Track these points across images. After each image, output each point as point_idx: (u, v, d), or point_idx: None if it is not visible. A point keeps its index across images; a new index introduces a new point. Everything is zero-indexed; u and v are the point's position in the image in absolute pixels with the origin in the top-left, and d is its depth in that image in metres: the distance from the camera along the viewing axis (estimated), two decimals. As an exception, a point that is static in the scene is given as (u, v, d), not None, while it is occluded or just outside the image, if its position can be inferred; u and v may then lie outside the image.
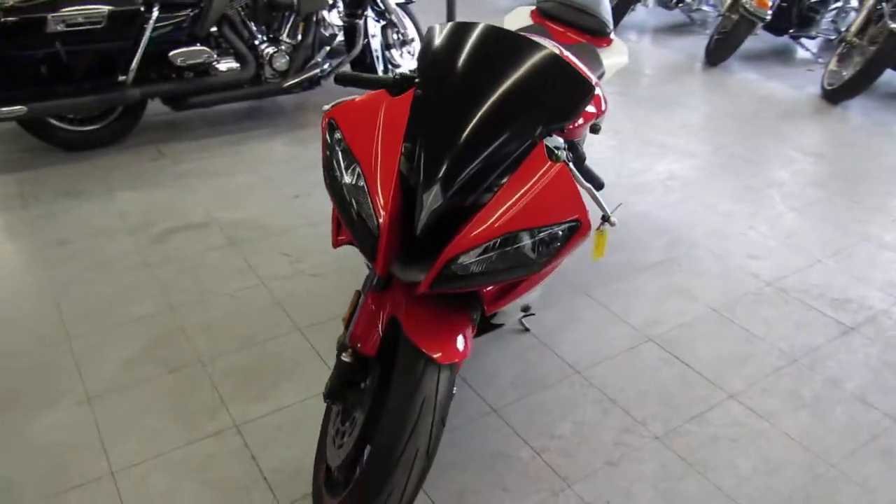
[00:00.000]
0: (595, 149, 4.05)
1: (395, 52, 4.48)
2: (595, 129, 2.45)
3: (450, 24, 1.55)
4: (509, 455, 1.99)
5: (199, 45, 3.71)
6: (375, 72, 4.34)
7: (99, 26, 3.28)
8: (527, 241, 1.37)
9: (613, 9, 6.35)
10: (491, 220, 1.33)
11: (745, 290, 2.81)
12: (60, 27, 3.20)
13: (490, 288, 1.52)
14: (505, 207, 1.35)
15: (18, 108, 3.29)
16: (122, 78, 3.50)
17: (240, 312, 2.53)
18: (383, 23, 4.40)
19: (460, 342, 1.50)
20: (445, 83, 1.43)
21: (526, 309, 2.43)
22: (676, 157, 4.03)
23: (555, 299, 2.69)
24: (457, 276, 1.36)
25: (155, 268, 2.79)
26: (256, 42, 3.93)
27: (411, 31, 4.54)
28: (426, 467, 1.45)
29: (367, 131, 1.44)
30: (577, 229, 1.40)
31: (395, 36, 4.44)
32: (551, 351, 2.42)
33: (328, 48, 4.18)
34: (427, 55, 1.51)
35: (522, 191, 1.37)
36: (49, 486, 1.84)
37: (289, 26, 4.03)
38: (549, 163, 1.41)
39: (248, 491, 1.86)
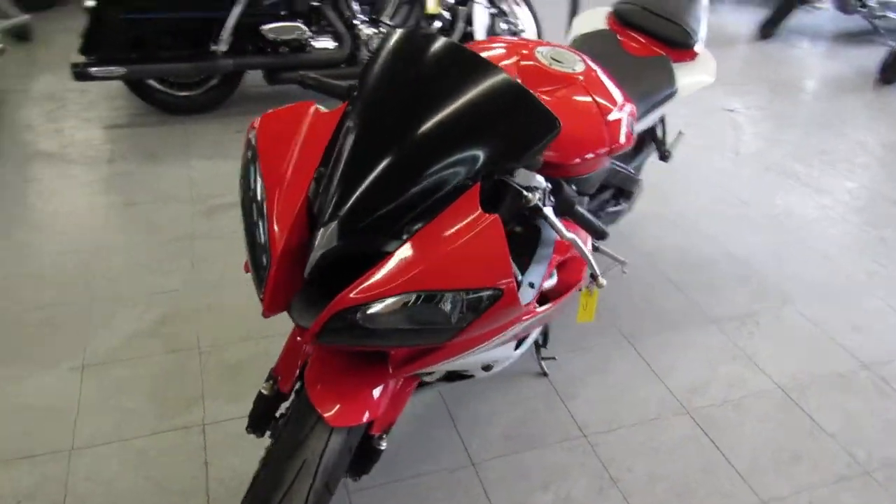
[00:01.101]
0: (698, 169, 3.59)
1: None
2: (664, 157, 2.10)
3: (404, 31, 1.32)
4: (468, 519, 1.77)
5: (294, 20, 3.68)
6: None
7: (195, -6, 3.34)
8: (437, 303, 1.14)
9: (775, 9, 5.68)
10: (390, 274, 1.11)
11: (830, 369, 2.34)
12: (159, -7, 3.28)
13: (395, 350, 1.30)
14: (412, 260, 1.12)
15: (119, 69, 3.44)
16: (214, 47, 3.55)
17: (251, 305, 2.46)
18: (494, 11, 4.15)
19: (367, 402, 1.30)
20: (377, 101, 1.21)
21: (540, 345, 2.17)
22: (801, 191, 3.48)
23: (590, 341, 2.38)
24: (351, 330, 1.15)
25: (196, 241, 2.80)
26: (356, 22, 3.84)
27: (526, 24, 4.25)
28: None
29: (283, 147, 1.26)
30: (498, 298, 1.14)
31: (503, 26, 4.18)
32: (562, 404, 2.14)
33: (430, 33, 4.00)
34: (369, 65, 1.29)
35: (439, 242, 1.13)
36: (6, 450, 1.87)
37: (391, 8, 3.91)
38: (479, 212, 1.15)
39: (186, 498, 1.78)
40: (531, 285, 1.34)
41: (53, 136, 3.60)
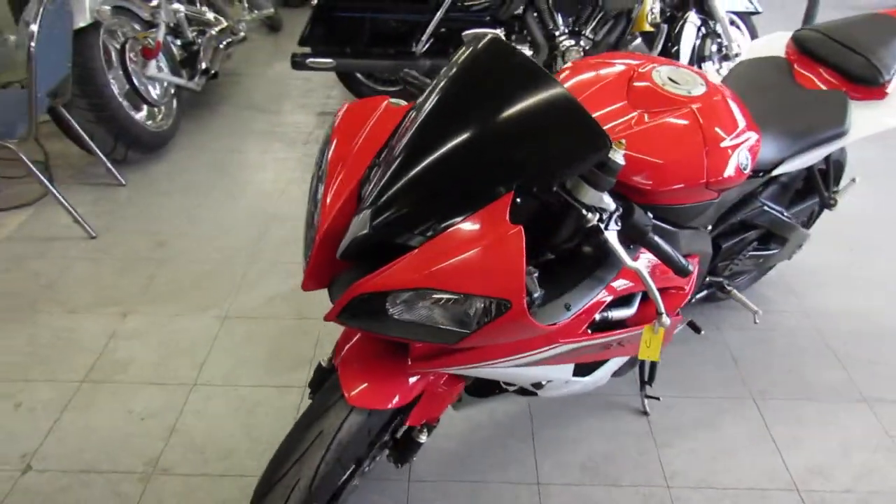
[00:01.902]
0: (920, 231, 3.07)
1: (709, 66, 3.96)
2: (826, 203, 1.88)
3: (479, 37, 1.31)
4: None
5: (495, 27, 3.78)
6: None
7: (401, -2, 3.58)
8: (445, 304, 1.14)
9: None
10: (408, 269, 1.13)
11: None
12: (371, -5, 3.58)
13: (420, 344, 1.30)
14: (430, 258, 1.13)
15: (329, 62, 3.80)
16: (414, 48, 3.77)
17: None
18: (705, 31, 3.91)
19: (393, 391, 1.33)
20: (432, 101, 1.23)
21: (645, 381, 2.04)
22: None
23: (708, 389, 2.18)
24: (366, 316, 1.19)
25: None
26: (557, 33, 3.85)
27: (740, 46, 3.94)
28: (306, 502, 1.34)
29: (352, 135, 1.33)
30: (507, 309, 1.11)
31: (713, 47, 3.91)
32: (655, 448, 1.98)
33: (627, 49, 3.88)
34: (447, 68, 1.31)
35: (459, 245, 1.12)
36: (146, 374, 2.19)
37: (594, 22, 3.85)
38: (506, 222, 1.12)
39: (270, 448, 1.95)
40: (567, 307, 1.28)
41: (268, 117, 4.08)
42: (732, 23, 3.98)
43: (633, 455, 1.96)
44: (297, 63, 3.83)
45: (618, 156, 1.25)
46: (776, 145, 1.80)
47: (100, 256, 2.74)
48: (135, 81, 3.23)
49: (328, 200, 1.27)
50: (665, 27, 3.76)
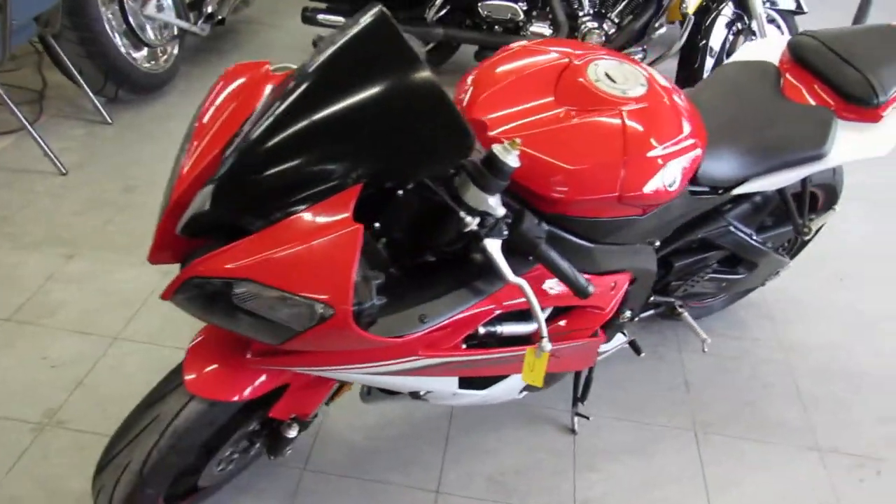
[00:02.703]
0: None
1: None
2: (798, 230, 1.72)
3: (372, 11, 1.16)
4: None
5: (512, 1, 3.59)
6: (701, 77, 3.64)
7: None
8: (268, 300, 1.02)
9: None
10: (238, 255, 1.02)
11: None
12: (384, -46, 3.41)
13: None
14: (261, 247, 1.01)
15: (339, 19, 3.66)
16: (427, 14, 3.61)
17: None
18: (739, 27, 3.63)
19: (239, 384, 1.23)
20: (304, 75, 1.10)
21: (577, 398, 1.91)
22: None
23: (648, 415, 2.02)
24: (195, 301, 1.09)
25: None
26: (581, 13, 3.63)
27: (777, 46, 3.65)
28: (137, 485, 1.26)
29: (228, 99, 1.21)
30: (330, 316, 0.99)
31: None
32: (572, 471, 1.85)
33: (651, 37, 3.63)
34: (330, 35, 1.18)
35: (294, 236, 1.01)
36: (73, 320, 2.14)
37: (621, 5, 3.62)
38: (346, 217, 1.00)
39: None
40: (422, 318, 1.15)
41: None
42: (772, 21, 3.68)
43: (546, 474, 1.84)
44: (308, 18, 3.70)
45: (510, 157, 1.12)
46: (740, 161, 1.61)
47: (63, 193, 2.71)
48: (130, 19, 3.16)
49: (185, 169, 1.16)
50: (692, 18, 3.50)
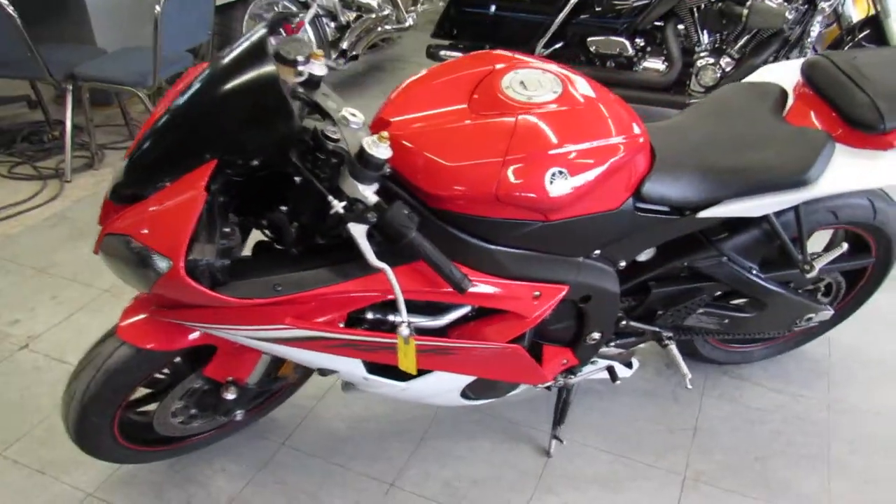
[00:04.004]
0: None
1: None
2: (799, 267, 1.63)
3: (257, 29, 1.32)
4: None
5: (630, 36, 3.57)
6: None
7: (526, -3, 3.55)
8: (130, 251, 1.22)
9: None
10: (126, 215, 1.24)
11: None
12: (496, -8, 3.61)
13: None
14: (140, 210, 1.22)
15: (458, 55, 3.90)
16: (538, 49, 3.71)
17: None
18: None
19: (168, 336, 1.43)
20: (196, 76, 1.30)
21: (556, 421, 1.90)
22: None
23: (637, 450, 1.92)
24: (108, 253, 1.32)
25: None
26: (699, 48, 3.51)
27: None
28: (80, 413, 1.51)
29: (169, 95, 1.44)
30: (168, 269, 1.16)
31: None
32: (533, 492, 1.82)
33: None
34: None
35: (159, 200, 1.20)
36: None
37: (744, 39, 3.44)
38: (195, 186, 1.17)
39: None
40: (276, 288, 1.27)
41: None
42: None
43: (503, 489, 1.83)
44: (432, 54, 4.00)
45: (379, 149, 1.23)
46: (709, 182, 1.53)
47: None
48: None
49: (129, 149, 1.41)
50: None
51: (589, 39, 3.61)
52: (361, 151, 1.22)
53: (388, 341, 1.36)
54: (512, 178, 1.29)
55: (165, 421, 1.67)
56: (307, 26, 3.90)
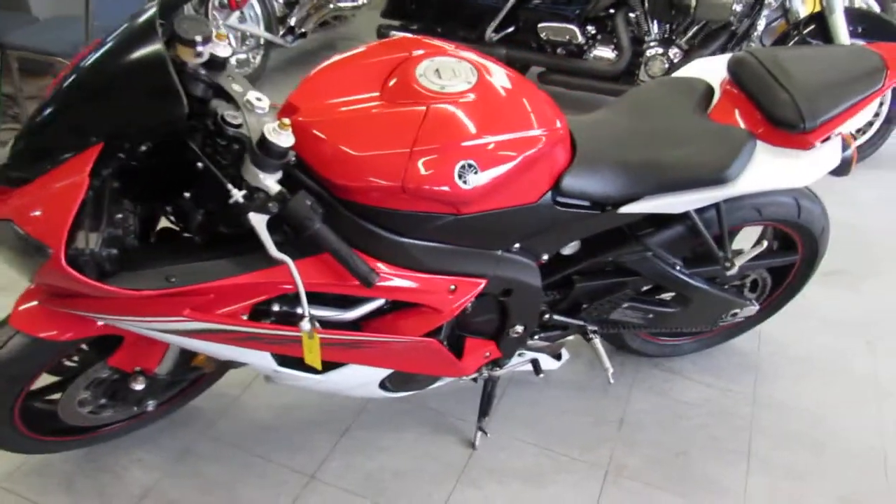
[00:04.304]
0: None
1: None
2: (721, 265, 1.60)
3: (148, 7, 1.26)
4: None
5: (577, 24, 3.54)
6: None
7: (477, -19, 3.49)
8: (12, 236, 1.15)
9: None
10: (9, 200, 1.17)
11: None
12: (448, -26, 3.54)
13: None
14: (23, 193, 1.15)
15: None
16: (488, 35, 3.66)
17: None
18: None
19: (67, 324, 1.36)
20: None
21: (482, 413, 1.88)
22: None
23: (564, 443, 1.92)
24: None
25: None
26: (648, 38, 3.50)
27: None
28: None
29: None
30: (49, 256, 1.11)
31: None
32: (454, 485, 1.81)
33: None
34: None
35: (43, 185, 1.13)
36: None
37: (693, 31, 3.44)
38: (79, 172, 1.10)
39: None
40: (169, 279, 1.21)
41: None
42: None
43: (424, 482, 1.81)
44: (380, 34, 3.92)
45: (280, 137, 1.18)
46: (628, 178, 1.51)
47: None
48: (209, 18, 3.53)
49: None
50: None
51: (539, 25, 3.57)
52: (262, 138, 1.17)
53: (292, 335, 1.32)
54: (419, 171, 1.25)
55: (72, 411, 1.61)
56: (254, 1, 3.79)
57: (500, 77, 1.39)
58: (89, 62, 1.15)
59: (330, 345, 1.38)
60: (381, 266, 1.36)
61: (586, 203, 1.53)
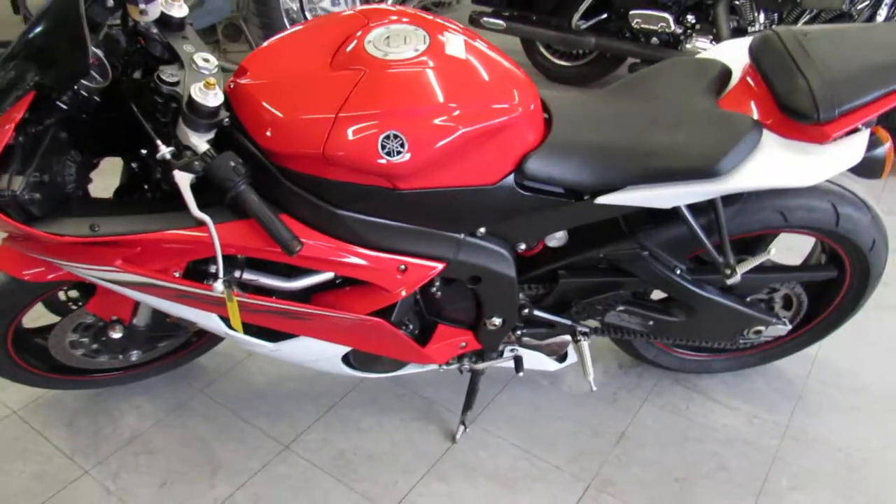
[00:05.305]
0: None
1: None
2: (722, 273, 1.45)
3: None
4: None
5: (673, 13, 3.30)
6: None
7: (565, -35, 3.35)
8: None
9: None
10: None
11: None
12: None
13: None
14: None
15: (500, 23, 3.75)
16: (577, 22, 3.50)
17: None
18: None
19: (39, 266, 1.44)
20: None
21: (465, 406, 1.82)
22: None
23: (552, 450, 1.79)
24: None
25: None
26: (752, 29, 3.20)
27: None
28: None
29: None
30: None
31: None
32: (424, 474, 1.74)
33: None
34: None
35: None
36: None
37: (803, 21, 3.09)
38: (9, 118, 1.15)
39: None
40: (93, 227, 1.24)
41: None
42: None
43: (394, 469, 1.76)
44: (473, 20, 3.87)
45: (208, 97, 1.19)
46: (607, 164, 1.37)
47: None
48: (306, 11, 3.65)
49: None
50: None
51: (631, 13, 3.36)
52: (189, 97, 1.18)
53: (210, 294, 1.32)
54: (342, 138, 1.20)
55: (64, 351, 1.72)
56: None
57: (455, 47, 1.30)
58: (35, 17, 1.21)
59: (258, 311, 1.37)
60: (320, 238, 1.32)
61: (559, 190, 1.40)
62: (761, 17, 3.18)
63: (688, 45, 3.34)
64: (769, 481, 1.72)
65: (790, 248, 1.94)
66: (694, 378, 2.01)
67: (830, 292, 1.77)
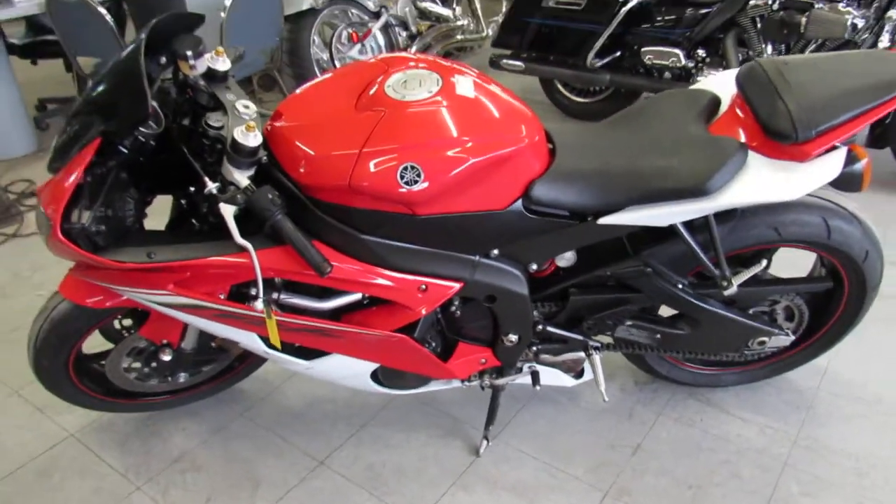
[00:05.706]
0: None
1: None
2: (717, 284, 1.58)
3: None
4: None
5: (685, 49, 3.45)
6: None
7: (578, 8, 3.52)
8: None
9: None
10: (42, 188, 1.45)
11: None
12: (552, 3, 3.61)
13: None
14: (50, 179, 1.43)
15: (519, 64, 3.94)
16: (592, 60, 3.66)
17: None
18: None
19: (101, 294, 1.61)
20: None
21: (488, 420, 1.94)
22: None
23: (570, 462, 1.89)
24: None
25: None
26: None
27: None
28: (35, 356, 1.73)
29: None
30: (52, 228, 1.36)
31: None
32: (448, 488, 1.85)
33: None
34: None
35: (62, 171, 1.39)
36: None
37: (809, 50, 3.21)
38: (79, 163, 1.34)
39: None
40: (149, 255, 1.41)
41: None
42: None
43: (422, 482, 1.87)
44: (494, 63, 4.07)
45: (248, 138, 1.36)
46: (606, 187, 1.51)
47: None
48: (335, 60, 3.89)
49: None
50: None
51: (643, 50, 3.52)
52: (233, 139, 1.35)
53: (254, 314, 1.48)
54: (365, 170, 1.36)
55: (119, 374, 1.88)
56: (377, 33, 4.10)
57: (465, 87, 1.46)
58: (99, 76, 1.41)
59: (295, 329, 1.52)
60: (348, 261, 1.48)
61: (564, 213, 1.54)
62: (769, 49, 3.31)
63: (699, 78, 3.47)
64: (780, 488, 1.79)
65: (793, 265, 2.03)
66: (707, 392, 2.10)
67: (831, 304, 1.86)
